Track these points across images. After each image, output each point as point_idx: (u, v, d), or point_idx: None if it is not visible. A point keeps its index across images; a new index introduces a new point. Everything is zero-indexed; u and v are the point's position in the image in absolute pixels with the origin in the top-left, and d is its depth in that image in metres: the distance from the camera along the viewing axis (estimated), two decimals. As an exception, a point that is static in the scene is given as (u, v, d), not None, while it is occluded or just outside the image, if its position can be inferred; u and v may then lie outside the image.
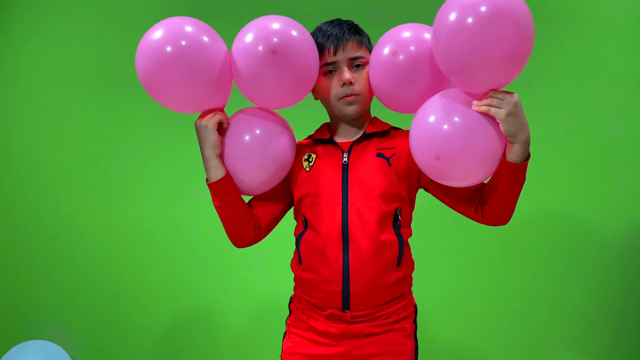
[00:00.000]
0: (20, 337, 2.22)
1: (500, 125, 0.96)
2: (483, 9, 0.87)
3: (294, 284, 1.26)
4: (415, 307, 1.23)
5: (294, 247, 1.23)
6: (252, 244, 1.23)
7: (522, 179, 1.04)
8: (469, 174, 1.02)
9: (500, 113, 0.94)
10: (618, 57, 1.99)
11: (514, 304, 2.05)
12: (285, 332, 1.26)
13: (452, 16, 0.91)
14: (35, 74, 2.24)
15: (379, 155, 1.17)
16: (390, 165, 1.15)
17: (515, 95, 0.96)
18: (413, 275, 1.23)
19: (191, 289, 2.18)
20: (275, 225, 1.27)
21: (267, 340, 2.01)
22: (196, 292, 2.18)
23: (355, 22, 1.21)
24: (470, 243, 2.05)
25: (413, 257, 1.22)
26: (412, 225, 1.22)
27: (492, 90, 0.96)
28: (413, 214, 1.22)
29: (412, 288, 1.24)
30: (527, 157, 1.01)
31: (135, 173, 2.20)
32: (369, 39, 1.21)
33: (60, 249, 2.24)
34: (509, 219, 1.12)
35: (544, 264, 2.04)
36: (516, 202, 1.08)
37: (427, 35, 1.05)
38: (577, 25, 2.01)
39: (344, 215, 1.12)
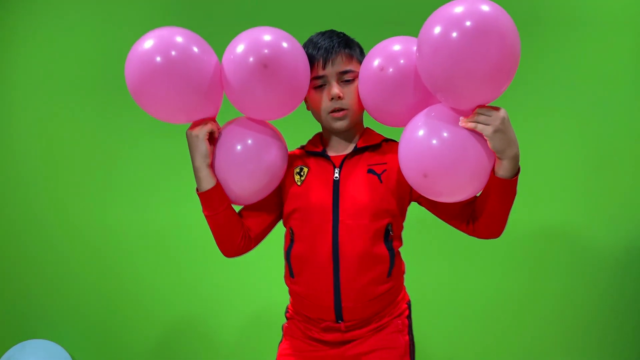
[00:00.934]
0: (20, 336, 2.24)
1: (488, 142, 0.95)
2: (467, 24, 0.86)
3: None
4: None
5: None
6: (242, 254, 1.22)
7: (513, 193, 1.03)
8: (458, 190, 1.01)
9: (487, 130, 0.93)
10: (614, 64, 1.98)
11: (509, 307, 2.05)
12: (282, 337, 1.27)
13: (436, 31, 0.89)
14: (36, 76, 2.26)
15: (370, 171, 1.16)
16: (381, 182, 1.15)
17: (503, 110, 0.95)
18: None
19: (189, 290, 2.19)
20: (265, 235, 1.27)
21: (264, 345, 2.01)
22: (194, 294, 2.19)
23: (348, 34, 1.20)
24: (466, 243, 1.98)
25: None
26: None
27: (478, 106, 0.95)
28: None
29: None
30: (517, 171, 1.00)
31: (135, 176, 2.21)
32: (361, 50, 1.20)
33: (59, 249, 2.25)
34: (501, 232, 1.12)
35: (539, 266, 2.04)
36: (508, 215, 1.08)
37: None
38: (572, 29, 1.99)
39: (334, 232, 1.12)
